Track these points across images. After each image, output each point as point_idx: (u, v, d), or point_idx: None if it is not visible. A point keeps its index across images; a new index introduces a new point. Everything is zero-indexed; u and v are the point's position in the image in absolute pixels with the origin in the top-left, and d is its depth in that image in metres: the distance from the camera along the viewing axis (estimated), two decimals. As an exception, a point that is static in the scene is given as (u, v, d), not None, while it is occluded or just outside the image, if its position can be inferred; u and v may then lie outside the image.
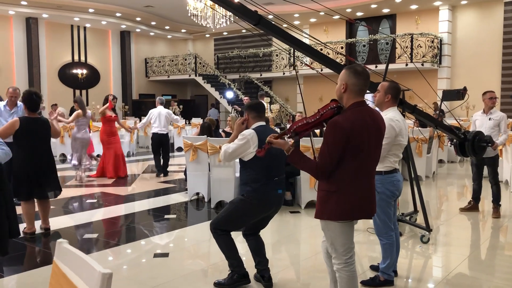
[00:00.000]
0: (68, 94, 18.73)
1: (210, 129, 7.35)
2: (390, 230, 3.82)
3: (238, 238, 3.92)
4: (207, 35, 22.28)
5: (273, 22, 4.09)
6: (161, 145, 9.59)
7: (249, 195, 3.60)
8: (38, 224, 5.40)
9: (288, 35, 4.22)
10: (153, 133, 9.60)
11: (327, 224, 2.77)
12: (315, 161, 2.69)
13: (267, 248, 3.90)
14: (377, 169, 3.47)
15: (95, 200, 7.29)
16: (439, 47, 15.73)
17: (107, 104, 9.22)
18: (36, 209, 5.29)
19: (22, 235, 4.10)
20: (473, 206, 6.33)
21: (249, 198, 3.60)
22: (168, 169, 9.73)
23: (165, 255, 4.64)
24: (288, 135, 2.78)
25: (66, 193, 7.22)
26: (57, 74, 18.73)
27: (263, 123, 3.73)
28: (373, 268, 4.21)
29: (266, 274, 3.81)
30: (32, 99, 5.04)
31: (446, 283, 3.94)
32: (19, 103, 6.68)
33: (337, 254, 2.79)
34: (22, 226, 4.40)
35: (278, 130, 9.82)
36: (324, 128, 2.71)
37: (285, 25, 4.62)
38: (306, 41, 5.60)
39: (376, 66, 14.93)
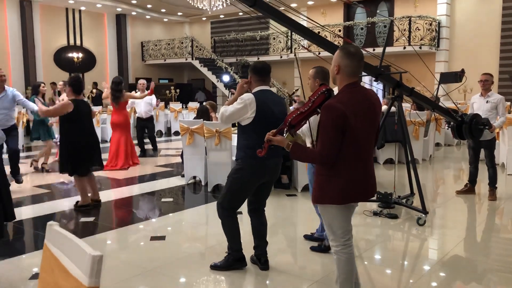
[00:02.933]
0: (64, 78, 18.52)
1: (207, 113, 7.31)
2: None
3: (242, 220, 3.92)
4: (204, 18, 22.06)
5: (270, 4, 4.02)
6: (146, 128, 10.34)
7: (244, 161, 3.55)
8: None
9: (285, 17, 4.15)
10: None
11: (325, 207, 2.74)
12: (317, 150, 2.63)
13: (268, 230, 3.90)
14: None
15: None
16: (437, 30, 15.61)
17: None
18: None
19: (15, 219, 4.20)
20: (469, 188, 6.34)
21: (244, 164, 3.55)
22: (163, 152, 10.06)
23: (162, 238, 4.65)
24: (285, 129, 2.75)
25: (62, 176, 7.20)
26: (52, 58, 18.54)
27: (267, 87, 3.62)
28: (307, 237, 4.41)
29: (263, 258, 3.82)
30: (77, 82, 5.63)
31: (442, 265, 3.96)
32: (8, 87, 6.63)
33: (335, 236, 2.77)
34: (17, 210, 4.40)
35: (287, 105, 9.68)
36: (319, 115, 2.67)
37: (282, 8, 4.55)
38: (304, 23, 5.54)
39: (374, 49, 14.77)
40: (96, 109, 11.34)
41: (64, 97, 9.80)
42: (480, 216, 5.68)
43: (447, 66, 15.75)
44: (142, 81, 10.02)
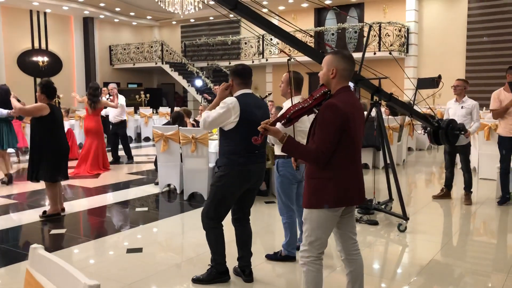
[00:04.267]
0: (28, 83, 17.95)
1: (182, 119, 7.14)
2: (290, 210, 4.08)
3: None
4: (174, 22, 21.79)
5: (251, 7, 3.92)
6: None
7: (227, 168, 3.42)
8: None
9: (265, 21, 4.07)
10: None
11: (315, 212, 2.64)
12: (312, 147, 2.57)
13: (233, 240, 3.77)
14: (280, 153, 3.69)
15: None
16: (406, 36, 15.90)
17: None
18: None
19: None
20: (445, 193, 6.40)
21: (227, 171, 3.42)
22: (134, 159, 9.79)
23: (139, 250, 4.46)
24: (282, 122, 2.66)
25: (29, 186, 6.88)
26: (15, 62, 17.89)
27: (249, 90, 3.52)
28: (269, 257, 4.22)
29: (247, 270, 3.70)
30: (52, 88, 5.55)
31: (421, 271, 3.94)
32: None
33: (311, 247, 2.68)
34: None
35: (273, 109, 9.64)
36: (316, 112, 2.64)
37: (265, 10, 4.46)
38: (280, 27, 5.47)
39: (345, 55, 14.94)
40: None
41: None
42: (457, 221, 5.73)
43: (416, 71, 16.05)
44: (112, 86, 9.76)
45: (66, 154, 5.64)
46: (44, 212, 5.60)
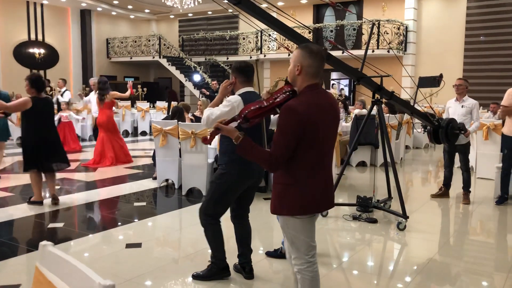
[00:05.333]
0: (24, 74, 17.67)
1: (181, 114, 7.10)
2: None
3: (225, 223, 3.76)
4: (172, 16, 21.67)
5: (255, 2, 3.88)
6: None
7: (228, 166, 3.39)
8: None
9: (269, 16, 4.03)
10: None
11: (286, 221, 2.54)
12: (268, 151, 2.42)
13: (232, 237, 3.75)
14: None
15: (57, 187, 6.93)
16: (404, 34, 15.89)
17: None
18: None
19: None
20: (444, 192, 6.41)
21: (228, 169, 3.39)
22: (131, 153, 9.66)
23: (138, 245, 4.43)
24: (238, 121, 2.49)
25: (25, 180, 6.83)
26: (12, 53, 17.74)
27: (251, 89, 3.47)
28: (269, 254, 4.19)
29: (248, 266, 3.68)
30: (41, 81, 5.73)
31: (418, 269, 3.94)
32: None
33: (299, 253, 2.55)
34: None
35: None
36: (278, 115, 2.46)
37: (264, 5, 4.42)
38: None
39: (342, 52, 14.92)
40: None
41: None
42: (455, 220, 5.75)
43: (414, 70, 16.07)
44: (92, 80, 9.71)
45: (51, 145, 5.72)
46: (30, 197, 5.90)
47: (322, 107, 2.45)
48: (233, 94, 3.49)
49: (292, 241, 2.57)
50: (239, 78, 3.45)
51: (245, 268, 3.67)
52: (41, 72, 18.50)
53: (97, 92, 8.59)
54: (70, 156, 9.57)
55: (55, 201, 5.85)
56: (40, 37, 18.58)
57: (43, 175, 5.84)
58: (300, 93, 2.47)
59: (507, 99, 5.81)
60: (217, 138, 5.55)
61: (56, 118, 9.99)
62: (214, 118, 3.29)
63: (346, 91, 16.05)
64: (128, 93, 9.22)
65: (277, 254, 4.15)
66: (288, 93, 2.47)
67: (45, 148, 5.65)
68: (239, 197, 3.58)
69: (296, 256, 2.58)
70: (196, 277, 3.63)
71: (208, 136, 2.56)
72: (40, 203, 5.78)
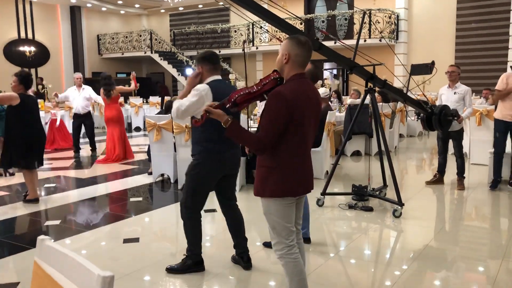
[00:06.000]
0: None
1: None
2: None
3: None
4: (162, 10, 21.56)
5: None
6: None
7: (201, 155, 3.40)
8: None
9: (261, 8, 4.02)
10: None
11: (269, 205, 2.62)
12: (256, 135, 2.52)
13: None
14: None
15: (53, 185, 6.92)
16: (396, 22, 15.90)
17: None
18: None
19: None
20: (438, 179, 6.45)
21: (201, 159, 3.39)
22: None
23: (136, 240, 4.44)
24: (227, 105, 2.58)
25: (20, 178, 6.80)
26: (2, 52, 17.61)
27: (219, 77, 3.47)
28: (266, 245, 4.18)
29: (245, 256, 3.70)
30: (30, 79, 5.77)
31: (415, 256, 3.97)
32: None
33: (280, 238, 2.63)
34: None
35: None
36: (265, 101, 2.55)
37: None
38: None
39: (335, 42, 14.91)
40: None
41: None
42: (450, 206, 5.79)
43: (406, 58, 16.09)
44: (77, 75, 9.70)
45: (37, 142, 5.78)
46: (25, 196, 5.89)
47: (307, 95, 2.56)
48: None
49: (274, 226, 2.64)
50: (205, 67, 3.44)
51: (243, 258, 3.69)
52: (32, 71, 18.38)
53: (103, 87, 8.55)
54: (61, 154, 9.63)
55: (27, 200, 5.81)
56: (30, 35, 18.43)
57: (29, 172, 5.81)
58: (287, 81, 2.57)
59: (501, 83, 5.82)
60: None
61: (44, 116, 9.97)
62: (184, 109, 3.29)
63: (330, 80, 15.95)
64: (132, 86, 9.24)
65: None
66: (276, 79, 2.56)
67: (28, 145, 5.67)
68: (220, 187, 3.60)
69: (277, 241, 2.66)
70: (170, 270, 3.64)
71: (199, 119, 2.62)
72: (35, 200, 5.78)
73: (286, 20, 4.31)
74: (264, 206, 2.65)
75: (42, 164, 6.01)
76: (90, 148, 9.77)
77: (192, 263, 3.62)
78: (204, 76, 3.44)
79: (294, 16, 4.74)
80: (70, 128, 12.17)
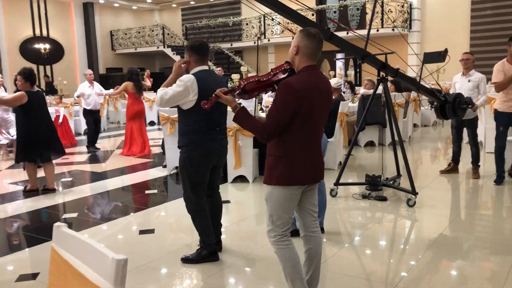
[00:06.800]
0: (31, 71, 17.90)
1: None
2: None
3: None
4: (174, 5, 21.61)
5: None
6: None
7: (189, 148, 3.42)
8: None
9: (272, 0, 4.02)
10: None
11: (272, 191, 2.65)
12: (262, 123, 2.56)
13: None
14: None
15: (71, 179, 7.04)
16: (409, 11, 15.71)
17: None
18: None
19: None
20: (453, 167, 6.41)
21: (190, 151, 3.42)
22: None
23: (151, 231, 4.51)
24: (237, 92, 2.63)
25: (39, 173, 6.92)
26: (18, 50, 17.86)
27: (206, 67, 3.47)
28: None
29: (217, 239, 3.81)
30: (34, 75, 5.94)
31: (430, 245, 3.97)
32: None
33: (274, 226, 2.68)
34: None
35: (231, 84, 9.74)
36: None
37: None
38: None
39: (347, 33, 14.81)
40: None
41: None
42: (465, 195, 5.75)
43: (419, 47, 15.91)
44: (89, 71, 9.81)
45: (45, 137, 5.95)
46: (25, 187, 6.22)
47: (317, 87, 2.57)
48: (188, 73, 3.47)
49: (271, 213, 2.69)
50: (193, 57, 3.44)
51: (215, 240, 3.77)
52: (47, 67, 18.62)
53: (135, 82, 8.66)
54: (79, 149, 9.77)
55: (48, 191, 6.11)
56: (44, 33, 18.64)
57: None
58: (298, 72, 2.60)
59: (498, 74, 5.50)
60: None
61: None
62: (168, 98, 3.30)
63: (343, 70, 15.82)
64: (148, 83, 9.36)
65: None
66: (286, 70, 2.60)
67: (39, 139, 5.85)
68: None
69: (271, 228, 2.71)
70: (185, 260, 3.70)
71: (207, 101, 2.66)
72: (35, 191, 6.08)
73: (298, 11, 4.31)
74: (266, 192, 2.70)
75: (64, 153, 6.31)
76: (95, 144, 9.81)
77: (207, 253, 3.67)
78: (191, 66, 3.44)
79: (305, 7, 4.73)
80: (79, 126, 12.35)
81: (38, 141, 5.86)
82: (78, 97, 9.85)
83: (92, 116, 9.57)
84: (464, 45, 14.88)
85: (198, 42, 3.49)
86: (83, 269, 1.22)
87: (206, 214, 3.64)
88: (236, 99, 2.68)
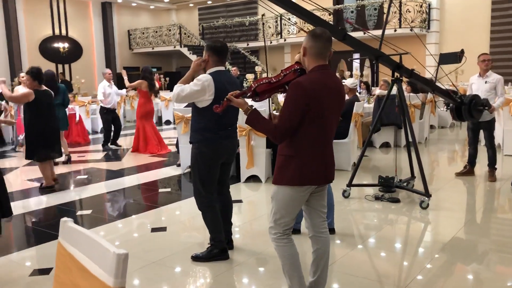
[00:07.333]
0: (50, 68, 18.20)
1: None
2: None
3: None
4: (191, 5, 21.74)
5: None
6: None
7: (200, 145, 3.50)
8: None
9: (287, 1, 4.02)
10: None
11: (279, 190, 2.65)
12: (274, 124, 2.57)
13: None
14: None
15: (85, 176, 7.14)
16: (427, 11, 15.54)
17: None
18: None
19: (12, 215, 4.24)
20: (468, 170, 6.32)
21: (202, 148, 3.50)
22: None
23: (163, 229, 4.55)
24: (248, 94, 2.65)
25: (55, 170, 7.04)
26: (38, 48, 18.15)
27: (223, 68, 3.55)
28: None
29: (228, 238, 3.86)
30: (42, 74, 6.08)
31: (444, 248, 3.92)
32: None
33: (276, 224, 2.70)
34: (13, 204, 4.28)
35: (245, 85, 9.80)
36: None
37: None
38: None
39: (364, 33, 14.70)
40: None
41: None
42: (481, 198, 5.67)
43: (437, 48, 15.72)
44: (108, 70, 9.98)
45: (53, 134, 6.14)
46: (41, 184, 6.31)
47: (327, 86, 2.57)
48: (205, 72, 3.54)
49: (275, 212, 2.70)
50: (213, 57, 3.51)
51: (226, 239, 3.80)
52: (66, 66, 18.90)
53: (149, 81, 8.86)
54: (94, 147, 9.90)
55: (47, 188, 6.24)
56: (64, 32, 18.92)
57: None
58: (309, 72, 2.61)
59: None
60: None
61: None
62: (185, 95, 3.38)
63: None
64: (157, 86, 9.56)
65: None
66: (297, 71, 2.61)
67: (45, 137, 6.00)
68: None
69: (272, 226, 2.73)
70: (195, 258, 3.72)
71: (219, 105, 2.70)
72: (51, 187, 6.20)
73: (314, 11, 4.29)
74: (273, 191, 2.71)
75: (61, 155, 6.50)
76: (115, 142, 9.91)
77: (217, 251, 3.69)
78: (209, 65, 3.52)
79: (321, 8, 4.71)
80: (96, 124, 12.50)
81: (45, 138, 5.99)
82: (102, 101, 9.82)
83: (111, 115, 9.67)
84: (483, 46, 14.64)
85: (219, 44, 3.57)
86: (86, 262, 1.25)
87: (216, 210, 3.67)
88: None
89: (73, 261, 1.30)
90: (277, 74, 2.65)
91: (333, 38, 2.80)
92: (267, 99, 2.82)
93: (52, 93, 6.32)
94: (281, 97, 9.39)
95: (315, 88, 2.50)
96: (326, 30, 2.65)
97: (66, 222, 1.43)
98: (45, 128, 5.98)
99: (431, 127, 10.87)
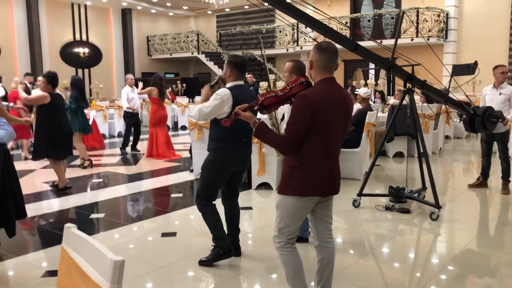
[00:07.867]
0: (70, 73, 18.48)
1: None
2: None
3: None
4: (209, 12, 21.95)
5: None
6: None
7: (216, 153, 3.66)
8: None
9: (298, 10, 4.06)
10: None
11: (284, 199, 2.69)
12: (281, 136, 2.64)
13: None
14: None
15: (100, 180, 7.27)
16: (445, 21, 15.44)
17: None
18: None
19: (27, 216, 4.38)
20: (481, 182, 6.26)
21: (216, 156, 3.66)
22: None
23: (173, 234, 4.62)
24: (255, 108, 2.71)
25: (70, 173, 7.20)
26: (59, 53, 18.54)
27: (241, 82, 3.71)
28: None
29: (235, 244, 3.92)
30: (57, 79, 6.37)
31: (455, 260, 3.90)
32: None
33: (280, 233, 2.74)
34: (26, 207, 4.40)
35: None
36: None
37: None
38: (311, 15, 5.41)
39: (381, 42, 14.66)
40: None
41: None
42: (493, 210, 5.61)
43: (455, 57, 15.59)
44: (130, 76, 10.23)
45: (66, 135, 6.40)
46: (56, 186, 6.47)
47: (333, 99, 2.62)
48: (225, 84, 3.74)
49: (279, 221, 2.75)
50: (234, 71, 3.68)
51: (234, 246, 3.88)
52: (86, 71, 19.24)
53: (160, 88, 9.03)
54: (111, 151, 10.05)
55: (55, 188, 6.46)
56: (84, 37, 19.29)
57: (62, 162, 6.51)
58: (315, 85, 2.67)
59: None
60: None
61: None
62: (207, 112, 3.58)
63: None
64: (170, 97, 9.74)
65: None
66: (303, 83, 2.66)
67: (58, 138, 6.23)
68: (228, 181, 3.83)
69: (276, 234, 2.77)
70: (202, 262, 3.79)
71: (227, 119, 2.82)
72: (68, 188, 6.43)
73: (330, 21, 4.32)
74: (278, 200, 2.75)
75: (71, 154, 6.69)
76: (135, 147, 10.06)
77: (222, 251, 3.77)
78: (229, 79, 3.70)
79: (336, 20, 4.75)
80: (113, 128, 12.68)
81: (56, 140, 6.21)
82: (128, 108, 9.94)
83: (133, 119, 9.84)
84: (502, 56, 14.48)
85: (240, 59, 3.74)
86: (86, 267, 1.31)
87: (215, 208, 3.79)
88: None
89: (74, 266, 1.36)
90: (284, 87, 2.70)
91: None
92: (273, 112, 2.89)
93: (63, 96, 6.64)
94: (280, 109, 9.46)
95: (321, 100, 2.55)
96: (332, 43, 2.71)
97: (69, 228, 1.50)
98: (57, 130, 6.22)
99: (447, 137, 10.77)
